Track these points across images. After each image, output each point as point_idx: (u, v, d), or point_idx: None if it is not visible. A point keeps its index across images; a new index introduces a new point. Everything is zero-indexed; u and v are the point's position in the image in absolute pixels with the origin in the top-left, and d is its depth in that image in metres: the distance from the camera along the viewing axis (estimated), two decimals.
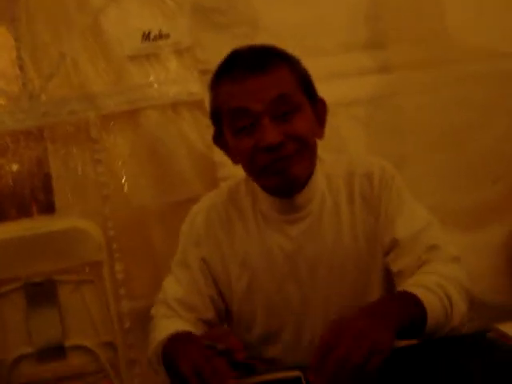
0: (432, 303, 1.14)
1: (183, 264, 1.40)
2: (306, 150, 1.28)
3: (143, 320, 1.54)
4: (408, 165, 2.21)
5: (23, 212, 2.33)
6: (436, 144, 2.34)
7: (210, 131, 2.25)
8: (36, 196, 2.31)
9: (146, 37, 2.21)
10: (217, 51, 2.24)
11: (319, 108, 1.33)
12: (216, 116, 1.33)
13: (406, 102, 2.27)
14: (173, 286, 1.40)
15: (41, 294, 2.09)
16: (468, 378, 1.06)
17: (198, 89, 2.21)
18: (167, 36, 2.22)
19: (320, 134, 1.32)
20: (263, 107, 1.22)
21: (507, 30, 2.34)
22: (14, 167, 2.30)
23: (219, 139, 1.36)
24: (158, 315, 1.39)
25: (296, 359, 1.32)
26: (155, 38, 2.21)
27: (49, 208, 2.30)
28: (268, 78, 1.23)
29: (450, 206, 2.25)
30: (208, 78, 2.20)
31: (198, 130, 2.25)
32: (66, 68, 2.25)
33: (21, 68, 2.24)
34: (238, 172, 1.39)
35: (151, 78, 2.24)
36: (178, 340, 1.22)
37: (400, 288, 1.21)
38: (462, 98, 2.34)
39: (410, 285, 1.19)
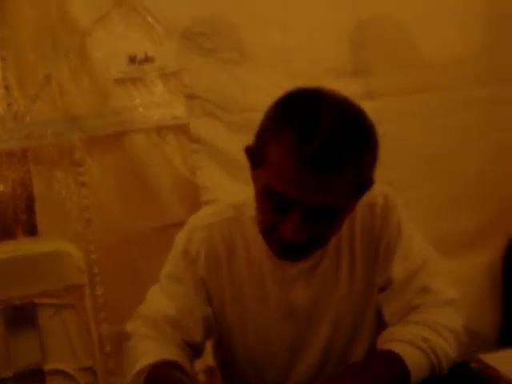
0: (417, 362, 1.14)
1: (176, 278, 1.29)
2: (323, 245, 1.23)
3: (124, 345, 1.51)
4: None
5: (6, 233, 2.30)
6: (420, 171, 2.36)
7: (193, 156, 2.31)
8: (19, 217, 2.29)
9: (132, 60, 2.21)
10: (203, 76, 2.28)
11: (364, 192, 1.19)
12: (261, 147, 1.14)
13: (391, 129, 2.27)
14: (162, 301, 1.27)
15: (21, 317, 2.07)
16: None
17: (184, 113, 2.22)
18: (153, 60, 2.22)
19: (352, 211, 1.21)
20: (303, 204, 1.09)
21: (492, 58, 2.38)
22: None
23: (252, 155, 1.19)
24: (138, 333, 1.26)
25: None
26: (141, 62, 2.22)
27: (31, 230, 2.28)
28: (330, 183, 1.07)
29: (434, 232, 2.23)
30: (194, 102, 2.26)
31: (182, 155, 2.24)
32: (51, 89, 2.24)
33: (6, 88, 2.23)
34: (221, 196, 1.37)
35: (136, 102, 2.24)
36: (161, 375, 1.13)
37: (386, 340, 1.20)
38: (446, 125, 2.36)
39: (395, 340, 1.18)
